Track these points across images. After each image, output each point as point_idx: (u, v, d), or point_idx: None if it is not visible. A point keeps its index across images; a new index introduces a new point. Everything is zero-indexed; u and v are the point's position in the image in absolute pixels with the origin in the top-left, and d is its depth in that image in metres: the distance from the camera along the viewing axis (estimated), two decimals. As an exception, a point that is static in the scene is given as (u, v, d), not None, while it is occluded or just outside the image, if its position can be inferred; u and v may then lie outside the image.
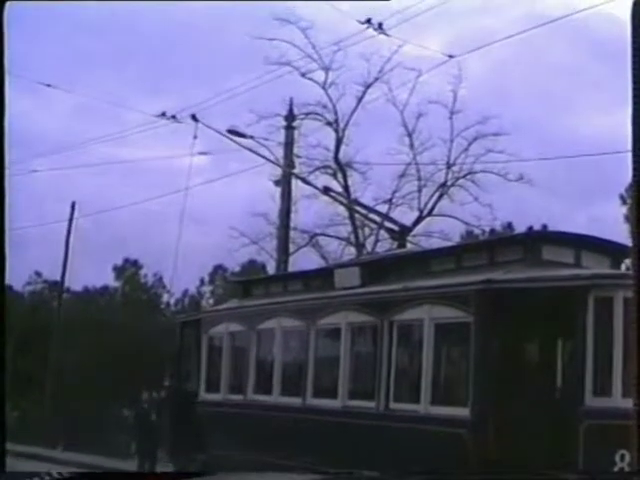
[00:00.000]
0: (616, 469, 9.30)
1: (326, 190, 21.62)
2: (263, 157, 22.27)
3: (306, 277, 15.43)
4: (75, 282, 41.08)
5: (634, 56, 5.62)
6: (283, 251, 24.60)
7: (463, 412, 11.05)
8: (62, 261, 36.31)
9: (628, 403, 7.23)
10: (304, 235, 27.39)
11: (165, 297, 41.64)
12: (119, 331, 36.59)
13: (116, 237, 45.32)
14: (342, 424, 12.99)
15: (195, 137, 20.16)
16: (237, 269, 35.66)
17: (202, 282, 38.55)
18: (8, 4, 5.67)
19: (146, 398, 19.67)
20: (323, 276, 14.77)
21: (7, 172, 5.99)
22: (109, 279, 42.55)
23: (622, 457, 9.27)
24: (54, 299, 39.04)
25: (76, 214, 36.05)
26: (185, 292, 37.90)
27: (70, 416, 33.12)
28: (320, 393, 13.76)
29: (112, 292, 43.90)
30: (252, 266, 32.78)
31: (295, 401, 14.09)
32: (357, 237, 26.59)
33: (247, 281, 17.95)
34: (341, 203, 23.57)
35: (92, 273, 44.80)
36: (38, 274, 43.62)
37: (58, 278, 37.95)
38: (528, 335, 12.44)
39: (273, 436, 14.52)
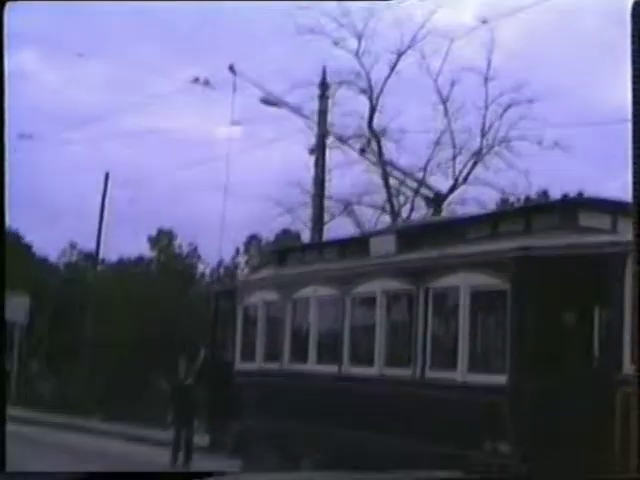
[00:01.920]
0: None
1: (362, 151, 21.51)
2: (297, 125, 22.19)
3: (341, 245, 15.40)
4: (110, 253, 41.28)
5: (634, 56, 5.65)
6: (318, 220, 24.59)
7: (500, 380, 10.99)
8: (97, 232, 36.49)
9: (670, 371, 7.22)
10: (339, 204, 27.36)
11: (200, 267, 41.70)
12: (154, 301, 36.71)
13: (150, 208, 45.48)
14: (378, 392, 12.98)
15: (231, 104, 20.07)
16: (271, 239, 35.71)
17: (237, 252, 38.55)
18: (8, 4, 5.85)
19: (181, 368, 19.71)
20: (358, 244, 14.73)
21: (6, 173, 6.07)
22: (144, 250, 42.62)
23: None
24: (89, 270, 39.21)
25: (110, 185, 36.23)
26: (220, 262, 37.91)
27: (107, 387, 33.40)
28: (356, 361, 13.76)
29: (147, 263, 43.89)
30: (286, 236, 32.77)
31: (331, 369, 14.09)
32: (392, 205, 26.50)
33: (282, 250, 17.91)
34: (378, 168, 23.41)
35: (127, 244, 44.98)
36: (73, 246, 43.81)
37: (93, 249, 38.15)
38: (565, 303, 12.33)
39: (309, 405, 14.56)
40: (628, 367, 9.69)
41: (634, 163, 5.59)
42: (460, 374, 11.61)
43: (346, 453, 13.87)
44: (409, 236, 13.73)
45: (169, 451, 19.12)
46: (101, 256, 39.92)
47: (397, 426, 12.57)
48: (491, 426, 11.00)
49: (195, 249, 41.73)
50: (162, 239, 43.30)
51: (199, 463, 18.70)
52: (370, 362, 13.25)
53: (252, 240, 38.24)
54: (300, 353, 15.06)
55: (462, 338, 11.63)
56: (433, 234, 13.47)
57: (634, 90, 5.59)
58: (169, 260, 42.43)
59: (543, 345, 11.25)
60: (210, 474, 6.04)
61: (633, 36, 5.65)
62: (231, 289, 17.85)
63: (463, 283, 11.74)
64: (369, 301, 13.66)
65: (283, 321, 15.56)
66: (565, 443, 11.00)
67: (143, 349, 33.52)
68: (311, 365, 14.72)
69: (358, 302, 14.02)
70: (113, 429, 26.80)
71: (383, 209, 27.00)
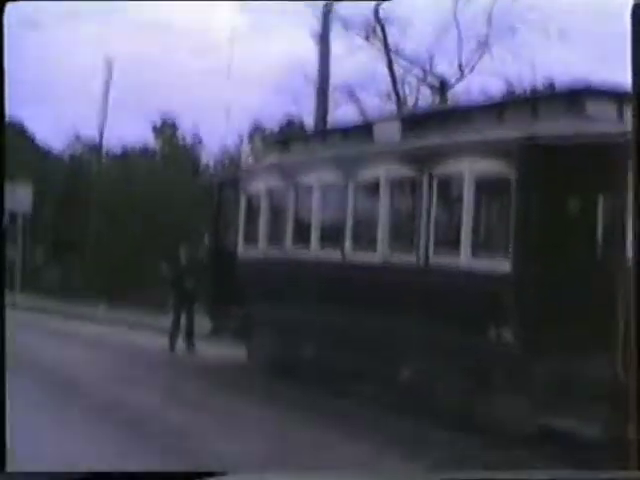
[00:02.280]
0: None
1: (367, 39, 21.16)
2: (302, 12, 21.80)
3: (345, 132, 15.25)
4: (114, 145, 41.06)
5: (634, 56, 5.86)
6: (322, 109, 24.30)
7: (504, 266, 10.97)
8: (101, 124, 36.22)
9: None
10: (343, 93, 27.08)
11: (204, 158, 41.47)
12: (159, 192, 36.62)
13: (155, 97, 45.09)
14: (381, 278, 13.00)
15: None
16: (276, 129, 35.45)
17: (241, 142, 38.29)
18: (8, 4, 5.87)
19: (182, 255, 19.82)
20: (363, 131, 14.57)
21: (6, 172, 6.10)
22: (148, 141, 42.34)
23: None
24: (94, 162, 39.04)
25: (115, 74, 35.82)
26: (224, 152, 37.68)
27: (111, 276, 33.63)
28: (359, 247, 13.75)
29: (151, 153, 43.65)
30: (291, 125, 32.51)
31: (334, 255, 14.09)
32: (397, 94, 26.23)
33: (285, 138, 17.78)
34: (383, 56, 23.06)
35: (131, 135, 44.59)
36: (77, 137, 43.50)
37: (97, 141, 37.92)
38: (571, 192, 12.25)
39: (311, 291, 14.60)
40: (632, 254, 9.60)
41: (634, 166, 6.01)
42: (464, 260, 11.58)
43: (348, 338, 13.98)
44: (414, 123, 13.59)
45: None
46: (105, 148, 39.73)
47: (400, 312, 12.61)
48: (494, 313, 11.02)
49: (199, 140, 41.46)
50: (166, 130, 42.98)
51: (201, 348, 19.00)
52: (373, 248, 13.24)
53: (256, 130, 37.95)
54: (303, 240, 15.05)
55: (466, 225, 11.57)
56: (438, 121, 13.32)
57: (635, 89, 5.85)
58: (173, 151, 42.19)
59: (547, 233, 11.19)
60: (211, 474, 5.84)
61: (633, 36, 5.86)
62: (234, 177, 17.78)
63: (468, 170, 11.64)
64: (373, 187, 13.57)
65: (286, 208, 15.52)
66: (568, 331, 11.04)
67: (147, 239, 33.60)
68: (314, 251, 14.72)
69: (362, 188, 13.93)
70: (116, 317, 27.10)
71: (388, 97, 26.75)
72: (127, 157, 42.78)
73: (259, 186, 16.45)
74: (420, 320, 12.28)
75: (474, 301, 11.31)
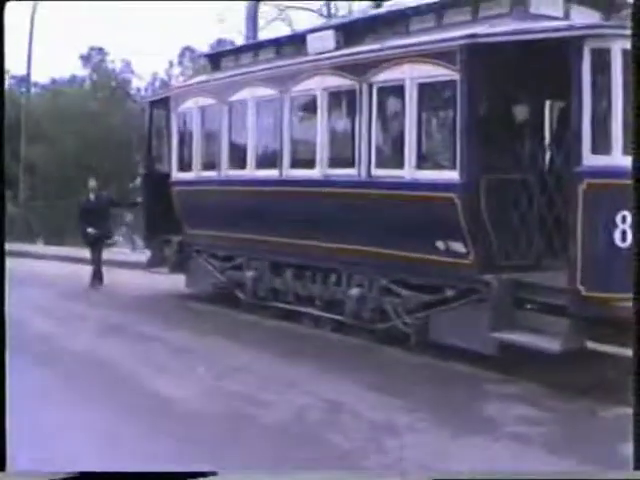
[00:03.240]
0: (617, 231, 8.76)
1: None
2: None
3: (277, 44, 14.45)
4: (42, 76, 39.92)
5: (635, 56, 5.71)
6: (252, 26, 23.39)
7: (451, 175, 10.41)
8: (27, 55, 34.98)
9: (627, 161, 6.63)
10: (273, 8, 26.23)
11: (135, 83, 40.43)
12: (90, 121, 35.77)
13: (80, 25, 43.71)
14: (323, 194, 12.39)
15: None
16: (205, 49, 34.45)
17: (170, 64, 37.26)
18: (8, 4, 6.02)
19: (91, 186, 18.58)
20: (296, 42, 13.80)
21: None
22: (76, 69, 41.17)
23: (623, 218, 8.70)
24: (23, 95, 37.85)
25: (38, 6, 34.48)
26: (154, 76, 36.66)
27: (47, 210, 32.74)
28: (298, 165, 13.10)
29: (80, 82, 42.62)
30: (221, 45, 31.51)
31: (272, 173, 13.44)
32: (329, 8, 25.40)
33: (216, 54, 16.92)
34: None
35: (58, 65, 43.39)
36: (6, 72, 42.02)
37: (25, 74, 36.70)
38: (519, 93, 11.72)
39: (249, 212, 13.99)
40: (588, 157, 9.11)
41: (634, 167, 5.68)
42: (408, 172, 11.00)
43: (289, 258, 13.43)
44: (349, 31, 12.84)
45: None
46: (33, 79, 38.61)
47: (342, 229, 12.06)
48: (443, 225, 10.48)
49: (128, 64, 40.41)
50: (94, 57, 41.82)
51: (142, 278, 18.23)
52: (312, 165, 12.59)
53: (185, 52, 36.91)
54: (239, 159, 14.36)
55: (409, 134, 10.95)
56: (374, 28, 12.59)
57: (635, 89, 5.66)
58: (102, 77, 41.09)
59: (495, 139, 10.66)
60: (202, 474, 5.81)
61: (634, 36, 5.71)
62: (165, 97, 16.92)
63: (409, 76, 10.98)
64: (309, 101, 12.89)
65: (220, 127, 14.78)
66: (519, 242, 10.58)
67: (80, 169, 32.70)
68: (250, 171, 14.04)
69: (298, 103, 13.24)
70: (54, 252, 26.51)
71: (320, 13, 25.92)
72: (56, 87, 41.82)
73: (190, 104, 15.65)
74: (364, 235, 11.73)
75: (420, 214, 10.76)
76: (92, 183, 18.43)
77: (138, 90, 39.48)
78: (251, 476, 6.57)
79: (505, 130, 11.08)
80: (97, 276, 18.28)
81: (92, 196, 18.37)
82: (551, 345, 9.32)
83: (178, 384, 9.94)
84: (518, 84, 11.41)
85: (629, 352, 6.27)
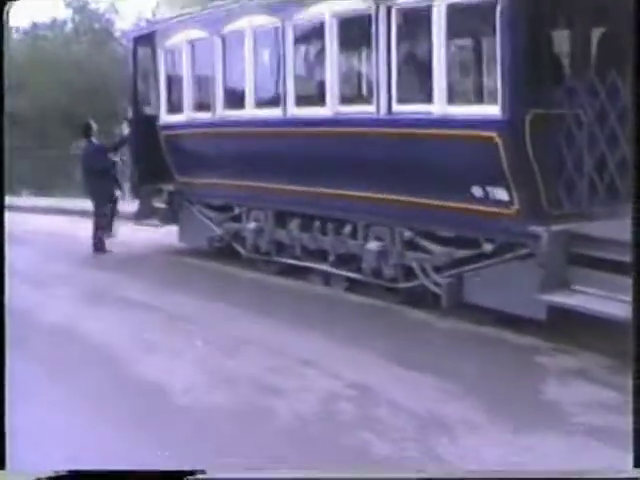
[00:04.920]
0: None
1: None
2: None
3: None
4: (22, 19, 38.17)
5: (636, 56, 5.51)
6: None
7: (491, 110, 8.81)
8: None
9: None
10: None
11: (119, 24, 38.43)
12: (73, 67, 34.08)
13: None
14: (335, 134, 10.80)
15: None
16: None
17: (157, 4, 35.34)
18: (8, 4, 6.04)
19: (94, 134, 16.42)
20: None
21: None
22: (57, 11, 39.30)
23: None
24: (2, 39, 35.92)
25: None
26: (140, 17, 34.83)
27: (32, 161, 31.16)
28: (305, 101, 11.42)
29: (62, 25, 40.74)
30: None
31: (275, 112, 11.74)
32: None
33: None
34: None
35: (39, 7, 41.45)
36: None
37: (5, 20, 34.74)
38: (565, 18, 10.02)
39: (249, 158, 12.44)
40: None
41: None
42: (438, 107, 9.38)
43: (296, 206, 11.91)
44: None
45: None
46: (14, 24, 36.75)
47: (358, 173, 10.51)
48: (481, 168, 8.93)
49: (112, 4, 38.43)
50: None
51: (131, 231, 16.55)
52: (321, 101, 10.96)
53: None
54: (236, 99, 12.71)
55: (438, 62, 9.26)
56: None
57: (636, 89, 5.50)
58: (85, 19, 39.17)
59: (538, 71, 8.99)
60: (191, 473, 5.36)
61: (635, 36, 5.57)
62: (150, 31, 15.14)
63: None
64: (317, 29, 11.16)
65: (213, 63, 13.10)
66: (571, 183, 8.99)
67: (65, 118, 31.04)
68: (250, 111, 12.37)
69: (303, 31, 11.47)
70: (41, 203, 25.04)
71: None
72: (37, 31, 40.07)
73: (180, 40, 13.95)
74: (383, 181, 10.17)
75: (453, 155, 9.20)
76: (94, 126, 16.28)
77: (123, 32, 37.53)
78: (237, 475, 5.72)
79: (552, 59, 9.40)
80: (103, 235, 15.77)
81: (94, 141, 16.16)
82: (617, 311, 7.79)
83: (173, 367, 8.41)
84: (564, 7, 9.72)
85: None
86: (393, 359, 8.24)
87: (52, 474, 5.32)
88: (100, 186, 15.57)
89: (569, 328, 8.79)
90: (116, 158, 15.91)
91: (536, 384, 7.49)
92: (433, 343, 8.93)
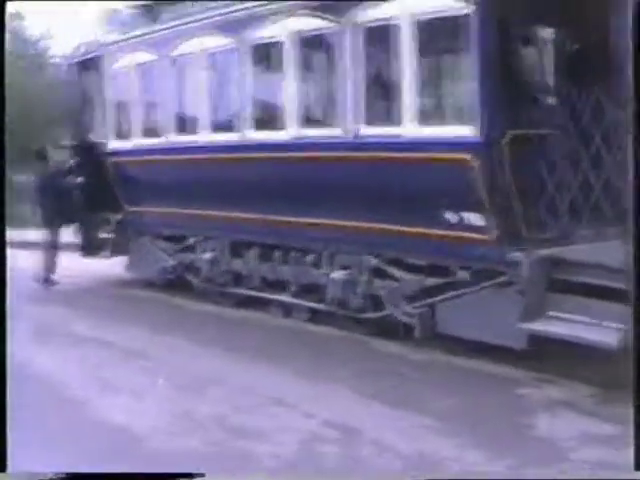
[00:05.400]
0: None
1: None
2: None
3: None
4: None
5: (635, 56, 5.52)
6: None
7: (467, 131, 8.40)
8: None
9: None
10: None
11: (56, 48, 37.70)
12: (12, 93, 33.18)
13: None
14: (296, 159, 10.34)
15: None
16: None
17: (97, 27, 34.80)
18: (8, 4, 6.04)
19: (48, 159, 15.73)
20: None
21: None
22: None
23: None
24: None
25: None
26: (79, 40, 34.27)
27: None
28: (263, 124, 10.94)
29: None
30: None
31: (231, 137, 11.29)
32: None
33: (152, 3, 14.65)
34: None
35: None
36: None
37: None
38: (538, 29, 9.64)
39: (204, 183, 11.94)
40: None
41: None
42: (408, 129, 8.99)
43: (255, 235, 11.42)
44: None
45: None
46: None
47: (321, 200, 10.06)
48: (455, 192, 8.52)
49: (47, 31, 37.76)
50: (9, 22, 39.12)
51: (74, 261, 15.73)
52: (280, 124, 10.52)
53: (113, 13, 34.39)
54: (188, 122, 12.25)
55: (408, 82, 8.90)
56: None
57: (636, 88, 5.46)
58: (20, 45, 38.41)
59: (517, 86, 8.59)
60: (189, 475, 5.44)
61: (634, 36, 5.59)
62: (95, 55, 14.52)
63: (407, 11, 8.86)
64: (275, 49, 10.76)
65: (163, 85, 12.60)
66: (552, 206, 8.60)
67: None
68: (204, 137, 11.88)
69: (260, 52, 10.99)
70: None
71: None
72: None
73: (127, 63, 13.43)
74: (349, 207, 9.73)
75: (424, 180, 8.78)
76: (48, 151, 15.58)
77: (63, 57, 36.80)
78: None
79: (530, 75, 8.98)
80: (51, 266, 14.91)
81: (51, 165, 15.38)
82: (605, 338, 7.41)
83: (132, 406, 7.84)
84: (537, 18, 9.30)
85: None
86: (370, 395, 7.77)
87: (52, 476, 5.34)
88: (56, 211, 14.81)
89: (546, 356, 8.39)
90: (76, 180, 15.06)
91: (524, 418, 7.07)
92: (410, 377, 8.46)
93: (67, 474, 5.38)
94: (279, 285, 11.37)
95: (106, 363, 9.42)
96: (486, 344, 8.57)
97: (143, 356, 9.64)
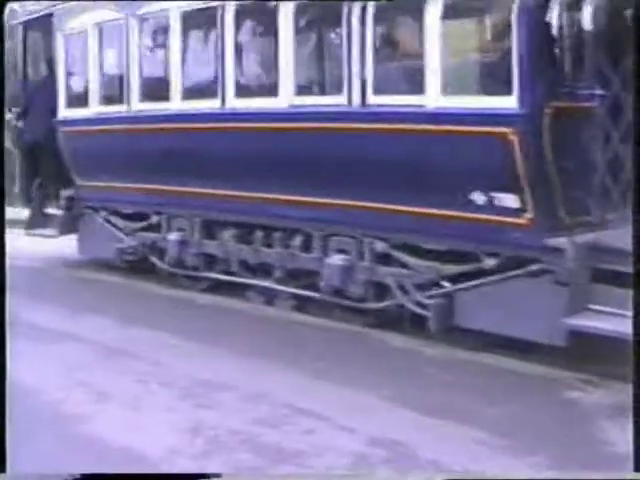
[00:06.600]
0: None
1: None
2: None
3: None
4: None
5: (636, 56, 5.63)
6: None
7: (505, 103, 7.45)
8: None
9: None
10: None
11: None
12: None
13: None
14: (289, 129, 9.27)
15: None
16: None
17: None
18: (8, 4, 6.12)
19: None
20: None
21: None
22: None
23: None
24: None
25: None
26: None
27: None
28: (250, 91, 9.86)
29: None
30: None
31: (210, 104, 10.14)
32: None
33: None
34: None
35: None
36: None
37: None
38: None
39: (177, 156, 10.82)
40: None
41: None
42: (431, 99, 8.01)
43: (234, 214, 10.38)
44: None
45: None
46: None
47: (321, 177, 9.06)
48: (487, 170, 7.59)
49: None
50: None
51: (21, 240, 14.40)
52: (272, 91, 9.43)
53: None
54: (158, 88, 11.07)
55: (430, 45, 7.91)
56: None
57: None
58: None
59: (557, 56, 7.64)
60: (205, 476, 5.26)
61: (635, 36, 5.69)
62: (46, 14, 13.19)
63: None
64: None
65: (127, 47, 11.38)
66: (595, 188, 7.70)
67: None
68: (176, 104, 10.73)
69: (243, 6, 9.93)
70: None
71: None
72: None
73: (85, 22, 12.16)
74: (356, 185, 8.74)
75: (449, 156, 7.84)
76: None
77: (7, 16, 34.98)
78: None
79: (578, 42, 8.01)
80: None
81: None
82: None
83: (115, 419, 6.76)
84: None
85: None
86: (395, 400, 6.82)
87: (67, 477, 5.20)
88: None
89: (579, 353, 7.55)
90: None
91: (588, 429, 6.20)
92: (440, 379, 7.52)
93: (82, 475, 5.21)
94: (262, 270, 10.33)
95: (76, 361, 8.28)
96: (498, 338, 7.74)
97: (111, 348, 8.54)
